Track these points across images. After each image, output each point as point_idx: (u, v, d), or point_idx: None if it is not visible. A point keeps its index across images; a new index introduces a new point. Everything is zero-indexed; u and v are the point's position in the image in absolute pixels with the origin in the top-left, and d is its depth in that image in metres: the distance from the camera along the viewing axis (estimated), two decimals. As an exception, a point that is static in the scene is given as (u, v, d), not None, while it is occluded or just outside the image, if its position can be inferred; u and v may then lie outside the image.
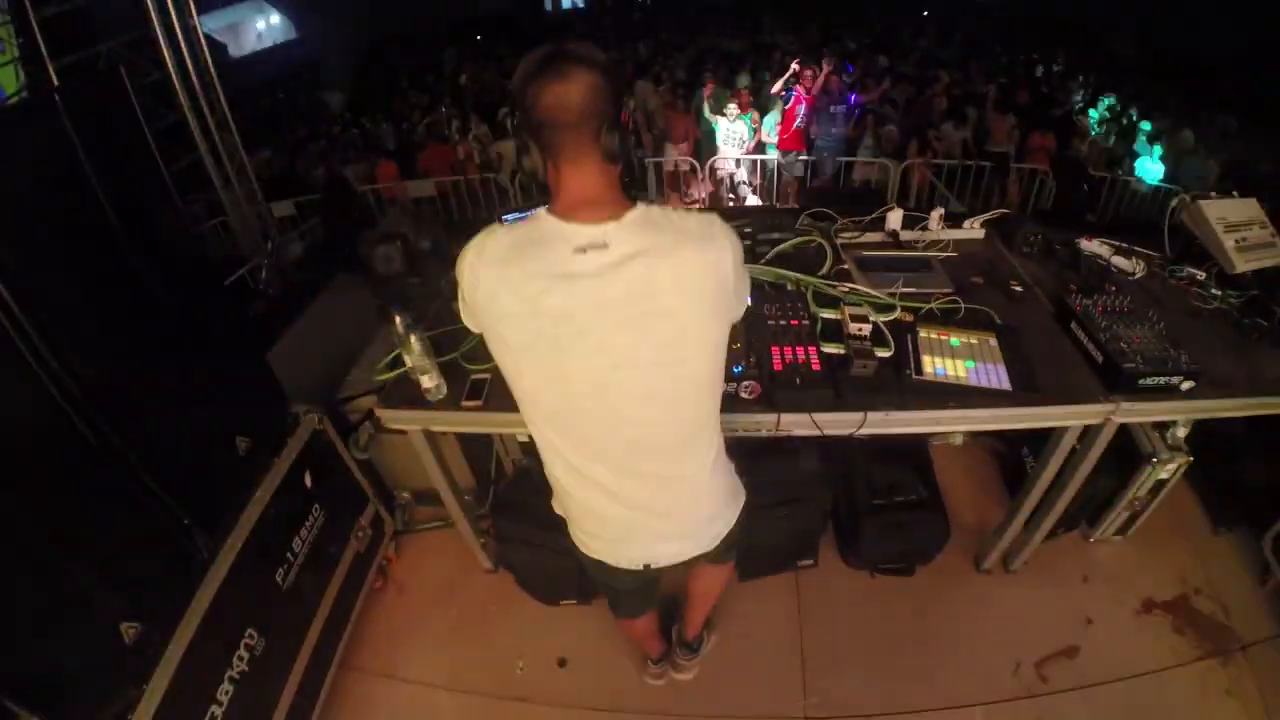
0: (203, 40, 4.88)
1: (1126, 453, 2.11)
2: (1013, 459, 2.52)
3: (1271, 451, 2.27)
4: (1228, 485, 2.43)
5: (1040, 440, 1.92)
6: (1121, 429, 1.79)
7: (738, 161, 6.80)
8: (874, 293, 1.85)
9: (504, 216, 2.02)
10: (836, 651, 2.15)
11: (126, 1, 4.57)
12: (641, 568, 1.30)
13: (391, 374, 1.79)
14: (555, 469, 1.22)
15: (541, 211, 1.05)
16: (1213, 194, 2.19)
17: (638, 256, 0.99)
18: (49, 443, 1.30)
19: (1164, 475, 2.10)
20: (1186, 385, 1.64)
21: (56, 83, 3.82)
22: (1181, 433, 2.07)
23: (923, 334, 1.72)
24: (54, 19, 4.12)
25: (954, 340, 1.72)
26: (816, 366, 1.61)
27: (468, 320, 1.16)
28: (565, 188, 1.04)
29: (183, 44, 4.74)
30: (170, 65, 4.70)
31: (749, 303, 1.18)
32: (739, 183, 6.93)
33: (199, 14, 4.88)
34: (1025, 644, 2.14)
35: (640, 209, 1.04)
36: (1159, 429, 2.07)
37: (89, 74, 3.08)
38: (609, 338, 1.03)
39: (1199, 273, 2.11)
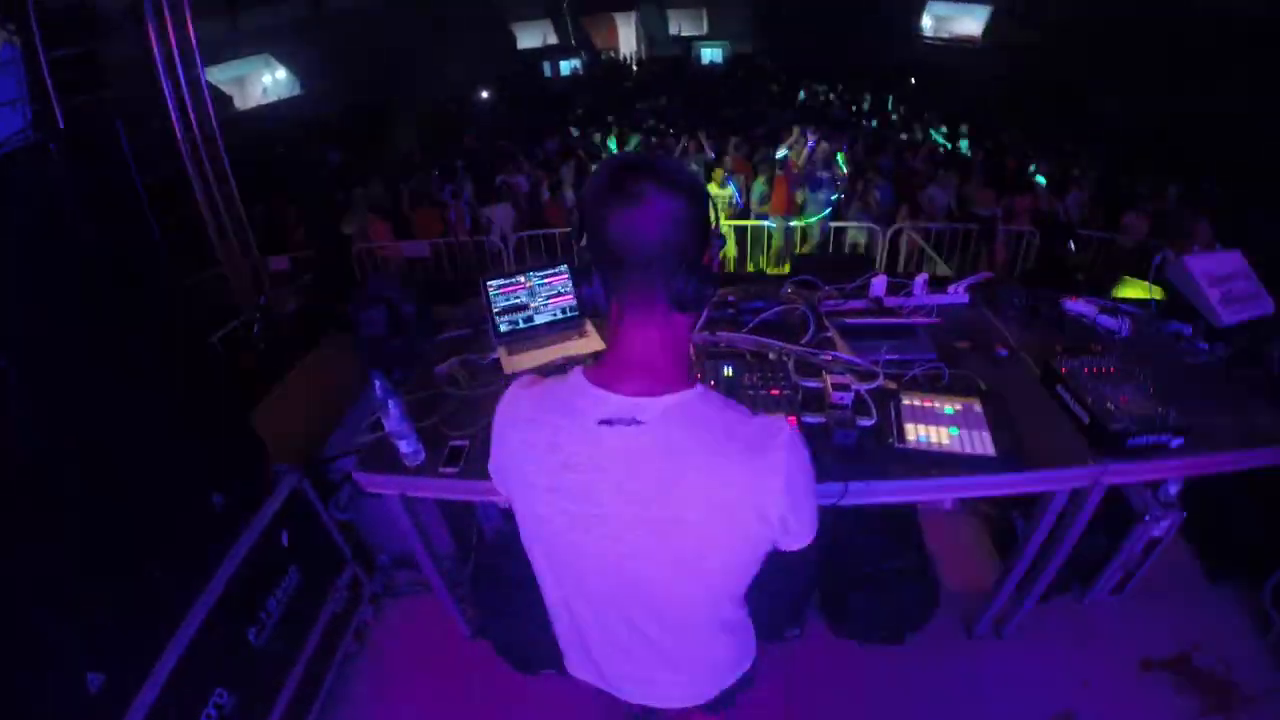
0: (207, 93, 4.98)
1: (1119, 511, 2.08)
2: (1003, 522, 2.47)
3: (1267, 501, 2.23)
4: (1223, 538, 2.38)
5: (1031, 502, 1.88)
6: (1113, 487, 1.76)
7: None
8: (857, 360, 1.83)
9: (487, 281, 2.03)
10: (825, 724, 2.07)
11: (139, 49, 4.68)
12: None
13: (372, 437, 1.77)
14: (547, 594, 1.11)
15: (578, 370, 0.92)
16: (1196, 248, 2.20)
17: (668, 452, 0.86)
18: (19, 487, 1.28)
19: (1157, 533, 2.07)
20: (1176, 443, 1.61)
21: (62, 125, 3.87)
22: (1174, 489, 2.05)
23: (906, 401, 1.70)
24: (66, 60, 4.13)
25: (937, 407, 1.69)
26: (797, 437, 1.58)
27: (492, 471, 1.04)
28: (620, 342, 0.89)
29: (187, 96, 4.84)
30: (173, 117, 4.80)
31: (813, 531, 1.00)
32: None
33: (209, 65, 4.98)
34: (1021, 710, 2.08)
35: (695, 392, 0.89)
36: (1151, 486, 2.04)
37: (86, 124, 3.11)
38: (626, 529, 0.90)
39: (1185, 327, 2.10)
